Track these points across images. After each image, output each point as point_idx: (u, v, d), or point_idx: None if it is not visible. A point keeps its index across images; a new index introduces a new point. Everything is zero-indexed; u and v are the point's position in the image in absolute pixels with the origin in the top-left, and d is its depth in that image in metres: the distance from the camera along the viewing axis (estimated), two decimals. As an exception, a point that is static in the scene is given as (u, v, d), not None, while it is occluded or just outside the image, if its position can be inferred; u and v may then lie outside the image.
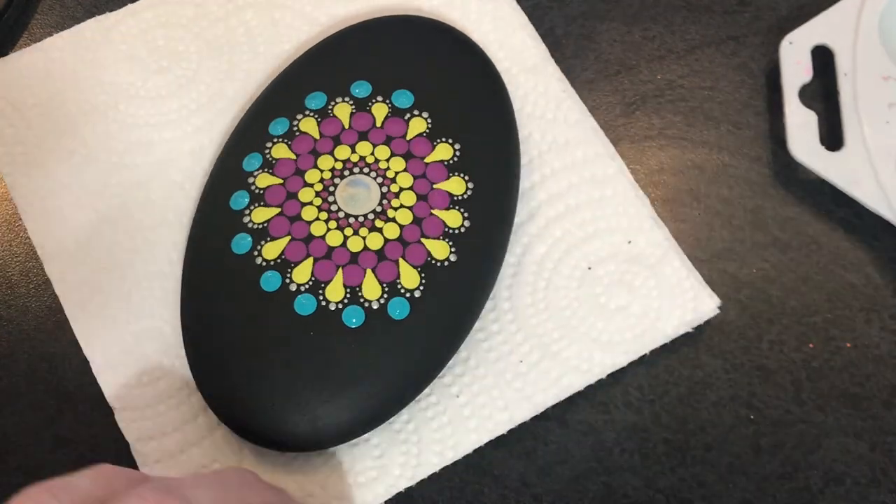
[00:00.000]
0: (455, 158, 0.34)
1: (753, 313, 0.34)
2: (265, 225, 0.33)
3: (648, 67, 0.39)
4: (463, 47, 0.37)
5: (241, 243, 0.33)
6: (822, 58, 0.37)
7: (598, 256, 0.35)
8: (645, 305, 0.34)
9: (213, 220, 0.34)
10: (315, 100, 0.35)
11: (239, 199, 0.34)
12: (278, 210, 0.33)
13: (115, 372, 0.34)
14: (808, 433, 0.33)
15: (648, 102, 0.38)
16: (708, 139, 0.37)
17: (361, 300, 0.32)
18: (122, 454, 0.33)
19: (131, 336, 0.34)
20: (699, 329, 0.34)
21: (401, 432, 0.33)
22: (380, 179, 0.34)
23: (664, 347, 0.34)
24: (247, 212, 0.33)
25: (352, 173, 0.34)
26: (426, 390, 0.32)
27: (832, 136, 0.36)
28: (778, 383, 0.33)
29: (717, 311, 0.34)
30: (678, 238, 0.35)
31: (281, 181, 0.34)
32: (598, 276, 0.34)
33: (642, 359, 0.34)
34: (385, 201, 0.33)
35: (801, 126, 0.35)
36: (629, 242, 0.35)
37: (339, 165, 0.34)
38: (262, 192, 0.34)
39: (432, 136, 0.34)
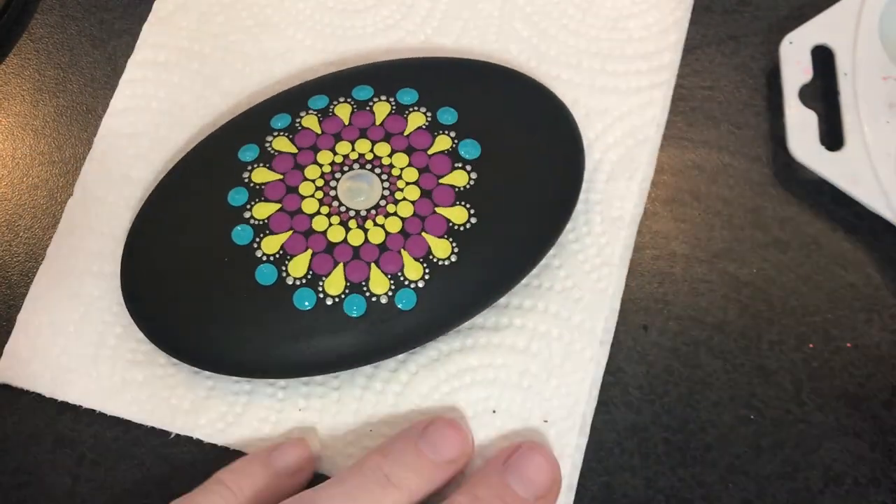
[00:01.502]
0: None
1: (753, 313, 0.34)
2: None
3: (648, 67, 0.39)
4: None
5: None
6: (822, 58, 0.37)
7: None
8: None
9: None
10: (407, 95, 0.35)
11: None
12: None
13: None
14: (808, 433, 0.33)
15: (648, 102, 0.38)
16: (708, 139, 0.37)
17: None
18: (121, 454, 0.33)
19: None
20: (699, 330, 0.34)
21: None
22: (387, 179, 0.33)
23: (661, 347, 0.34)
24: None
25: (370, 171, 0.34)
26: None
27: (832, 136, 0.36)
28: (778, 383, 0.33)
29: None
30: (678, 238, 0.35)
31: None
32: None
33: (643, 359, 0.34)
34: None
35: (801, 126, 0.35)
36: None
37: (368, 156, 0.34)
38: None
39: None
